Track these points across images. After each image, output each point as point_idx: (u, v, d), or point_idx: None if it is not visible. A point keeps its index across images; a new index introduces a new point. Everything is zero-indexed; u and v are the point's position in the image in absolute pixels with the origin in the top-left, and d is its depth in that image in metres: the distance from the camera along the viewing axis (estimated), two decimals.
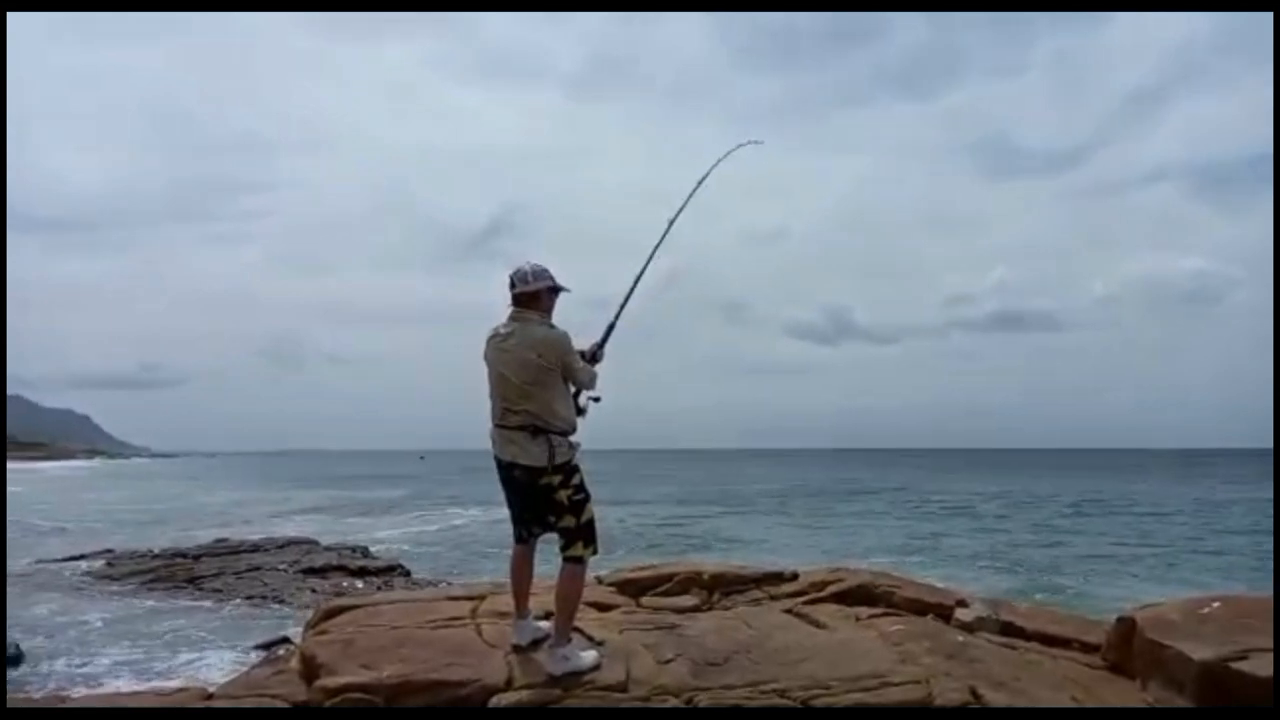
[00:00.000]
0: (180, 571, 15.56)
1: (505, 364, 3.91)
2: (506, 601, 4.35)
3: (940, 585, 6.39)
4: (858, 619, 4.91)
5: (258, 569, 15.50)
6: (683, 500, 40.23)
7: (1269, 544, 22.05)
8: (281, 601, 13.33)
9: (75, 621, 11.79)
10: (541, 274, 3.99)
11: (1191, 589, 13.12)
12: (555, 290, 4.03)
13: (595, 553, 4.02)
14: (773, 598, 5.50)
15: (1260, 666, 3.86)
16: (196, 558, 16.71)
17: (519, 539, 4.15)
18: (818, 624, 4.76)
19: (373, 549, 18.77)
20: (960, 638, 4.63)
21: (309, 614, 5.67)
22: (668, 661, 4.04)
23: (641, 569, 5.85)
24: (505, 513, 4.15)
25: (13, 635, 9.40)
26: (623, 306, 4.32)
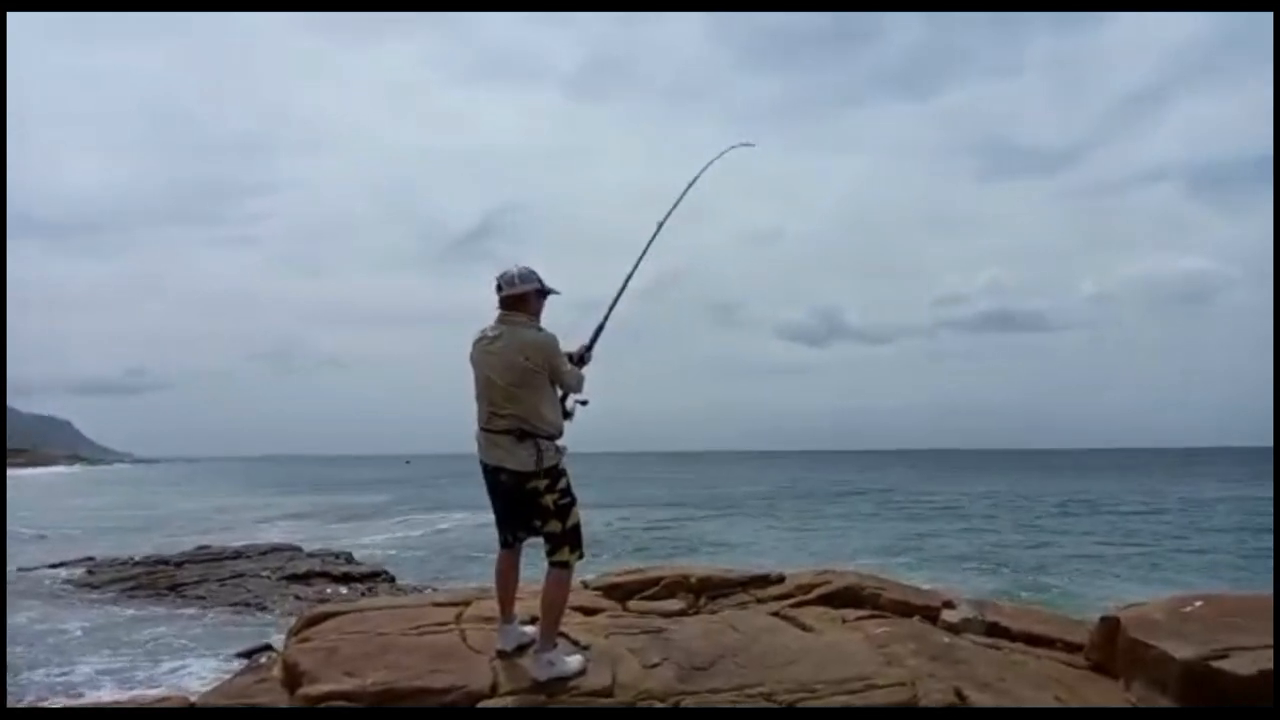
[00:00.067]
0: (162, 579, 15.40)
1: (492, 367, 3.89)
2: (492, 607, 4.32)
3: (926, 587, 6.41)
4: (844, 621, 4.92)
5: (240, 576, 15.36)
6: (670, 503, 40.19)
7: (1253, 542, 22.28)
8: (264, 609, 13.21)
9: (55, 630, 11.63)
10: (528, 277, 3.97)
11: (1175, 588, 13.19)
12: (543, 293, 4.01)
13: (581, 557, 4.00)
14: (759, 601, 5.50)
15: (1242, 665, 3.88)
16: (179, 565, 16.54)
17: (505, 543, 4.13)
18: (804, 627, 4.77)
19: (357, 555, 18.63)
20: (946, 639, 4.64)
21: (292, 621, 5.62)
22: (654, 666, 4.03)
23: (628, 573, 5.84)
24: (491, 517, 4.12)
25: None
26: (611, 309, 4.32)
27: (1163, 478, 59.96)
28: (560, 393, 4.02)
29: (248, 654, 9.39)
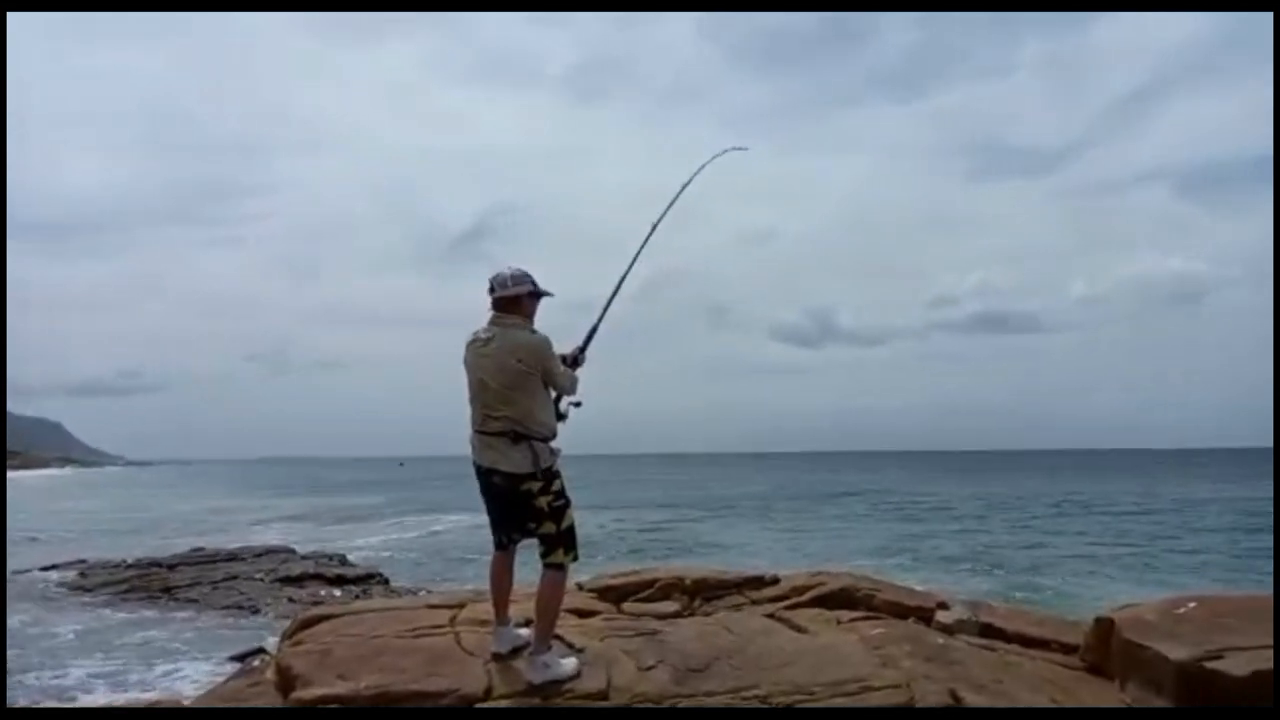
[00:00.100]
0: (155, 581, 15.35)
1: (485, 369, 3.88)
2: (486, 609, 4.30)
3: (920, 588, 6.42)
4: (839, 623, 4.91)
5: (234, 578, 15.32)
6: (665, 504, 40.19)
7: (1246, 543, 22.37)
8: (258, 611, 13.18)
9: (46, 633, 11.58)
10: (521, 278, 3.96)
11: (1168, 589, 13.27)
12: (536, 295, 4.00)
13: (576, 559, 3.99)
14: (754, 602, 5.50)
15: (1236, 666, 3.89)
16: (171, 567, 16.48)
17: (499, 545, 4.12)
18: (799, 628, 4.76)
19: (351, 557, 18.60)
20: (941, 640, 4.64)
21: (286, 624, 5.59)
22: (649, 668, 4.01)
23: (623, 575, 5.84)
24: (485, 519, 4.11)
25: None
26: (605, 311, 4.32)
27: (1155, 478, 60.18)
28: (554, 394, 4.01)
29: (241, 657, 9.36)
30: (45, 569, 17.52)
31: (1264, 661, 3.85)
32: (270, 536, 25.00)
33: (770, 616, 5.02)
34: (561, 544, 3.91)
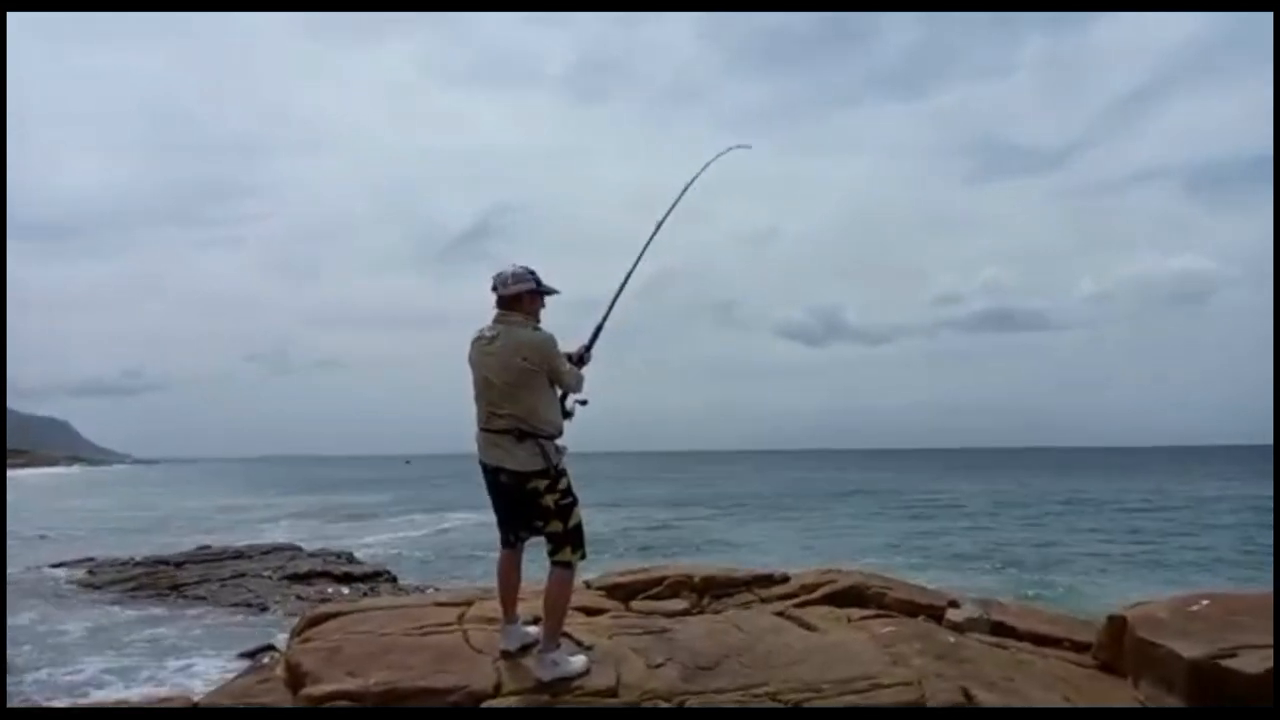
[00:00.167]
0: (163, 579, 15.38)
1: (489, 367, 3.87)
2: (494, 607, 4.30)
3: (931, 586, 6.40)
4: (849, 621, 4.90)
5: (242, 576, 15.33)
6: (673, 502, 40.17)
7: (1257, 540, 22.23)
8: (266, 609, 13.19)
9: (56, 630, 11.62)
10: (524, 276, 3.95)
11: (1180, 586, 13.18)
12: (539, 293, 4.00)
13: (583, 557, 3.98)
14: (763, 600, 5.49)
15: (1249, 664, 3.86)
16: (179, 565, 16.51)
17: (506, 544, 4.11)
18: (809, 626, 4.74)
19: (358, 554, 18.62)
20: (952, 638, 4.61)
21: (294, 621, 5.61)
22: (658, 666, 4.00)
23: (631, 572, 5.83)
24: (492, 517, 4.11)
25: None
26: (610, 309, 4.31)
27: (1164, 475, 59.92)
28: (559, 392, 4.00)
29: (250, 654, 9.38)
30: (54, 566, 17.57)
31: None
32: (277, 534, 25.06)
33: (780, 614, 5.00)
34: (569, 542, 3.91)
